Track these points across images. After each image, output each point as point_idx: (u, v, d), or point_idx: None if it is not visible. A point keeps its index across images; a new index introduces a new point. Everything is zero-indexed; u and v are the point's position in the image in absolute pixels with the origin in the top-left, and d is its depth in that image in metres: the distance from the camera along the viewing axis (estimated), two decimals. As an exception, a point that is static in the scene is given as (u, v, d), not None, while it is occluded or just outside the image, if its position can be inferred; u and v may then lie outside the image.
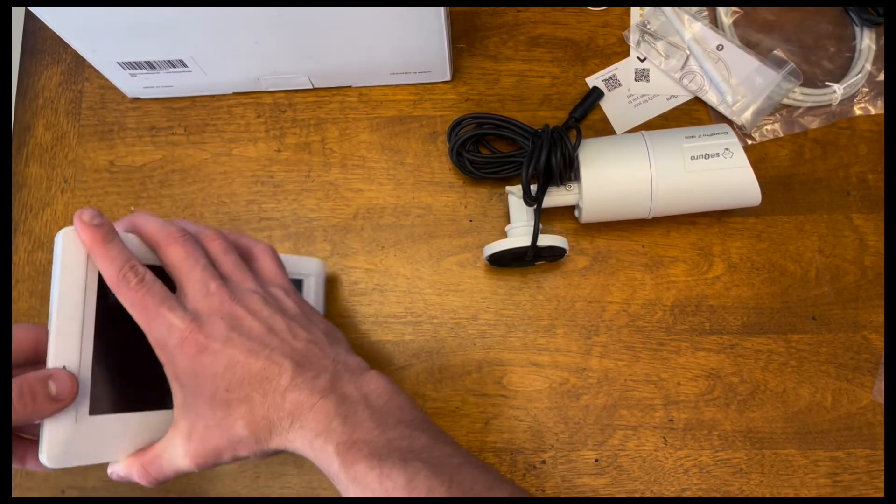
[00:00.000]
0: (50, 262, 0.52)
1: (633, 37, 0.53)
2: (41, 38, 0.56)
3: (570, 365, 0.48)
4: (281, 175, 0.52)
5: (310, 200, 0.52)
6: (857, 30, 0.52)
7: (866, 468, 0.45)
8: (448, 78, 0.52)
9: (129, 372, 0.34)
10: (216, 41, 0.46)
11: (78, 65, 0.55)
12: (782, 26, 0.53)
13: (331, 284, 0.50)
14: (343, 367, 0.35)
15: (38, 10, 0.42)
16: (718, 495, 0.46)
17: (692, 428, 0.47)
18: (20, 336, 0.33)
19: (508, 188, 0.48)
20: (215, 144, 0.53)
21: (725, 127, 0.46)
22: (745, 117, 0.50)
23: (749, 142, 0.51)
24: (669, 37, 0.52)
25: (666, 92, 0.52)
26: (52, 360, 0.31)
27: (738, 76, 0.50)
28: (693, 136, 0.45)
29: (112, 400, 0.33)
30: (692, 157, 0.44)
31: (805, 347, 0.47)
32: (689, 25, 0.52)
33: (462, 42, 0.53)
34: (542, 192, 0.45)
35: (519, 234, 0.47)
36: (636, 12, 0.53)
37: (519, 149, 0.48)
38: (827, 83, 0.51)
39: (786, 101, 0.51)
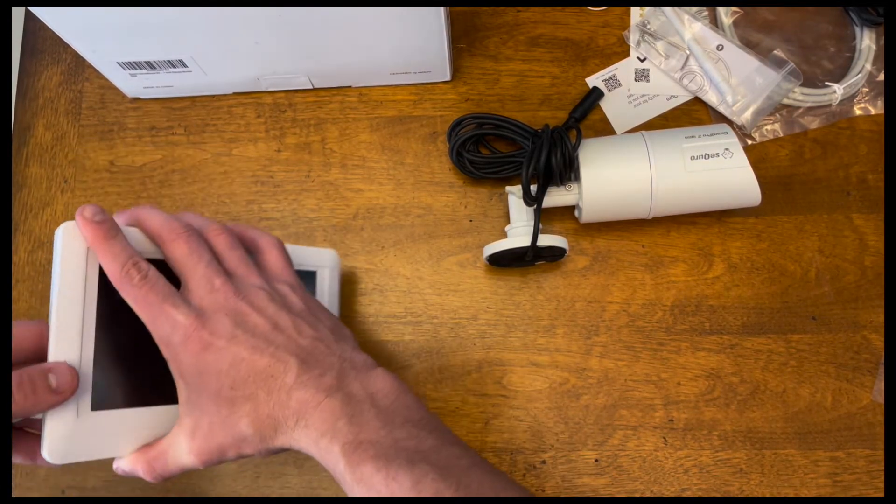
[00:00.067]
0: (50, 262, 0.52)
1: (633, 37, 0.53)
2: (41, 38, 0.56)
3: (570, 365, 0.48)
4: (281, 175, 0.52)
5: (310, 200, 0.52)
6: (857, 30, 0.52)
7: (866, 468, 0.45)
8: (448, 78, 0.52)
9: (132, 367, 0.34)
10: (216, 41, 0.46)
11: (78, 65, 0.55)
12: (782, 26, 0.53)
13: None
14: (349, 365, 0.34)
15: (38, 10, 0.42)
16: (718, 495, 0.46)
17: (692, 428, 0.47)
18: (23, 333, 0.33)
19: (508, 188, 0.48)
20: (215, 144, 0.53)
21: (725, 127, 0.46)
22: (745, 117, 0.50)
23: (749, 142, 0.51)
24: (669, 37, 0.52)
25: (666, 92, 0.52)
26: (53, 355, 0.31)
27: (738, 76, 0.50)
28: (693, 136, 0.45)
29: (115, 395, 0.33)
30: (692, 157, 0.44)
31: (805, 347, 0.47)
32: (689, 25, 0.52)
33: (462, 42, 0.53)
34: (542, 192, 0.45)
35: (519, 234, 0.47)
36: (636, 12, 0.53)
37: (519, 149, 0.48)
38: (827, 83, 0.51)
39: (786, 101, 0.51)
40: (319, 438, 0.32)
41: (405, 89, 0.53)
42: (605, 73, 0.52)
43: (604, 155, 0.46)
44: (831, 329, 0.48)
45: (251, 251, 0.38)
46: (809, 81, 0.51)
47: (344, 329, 0.38)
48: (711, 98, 0.51)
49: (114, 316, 0.33)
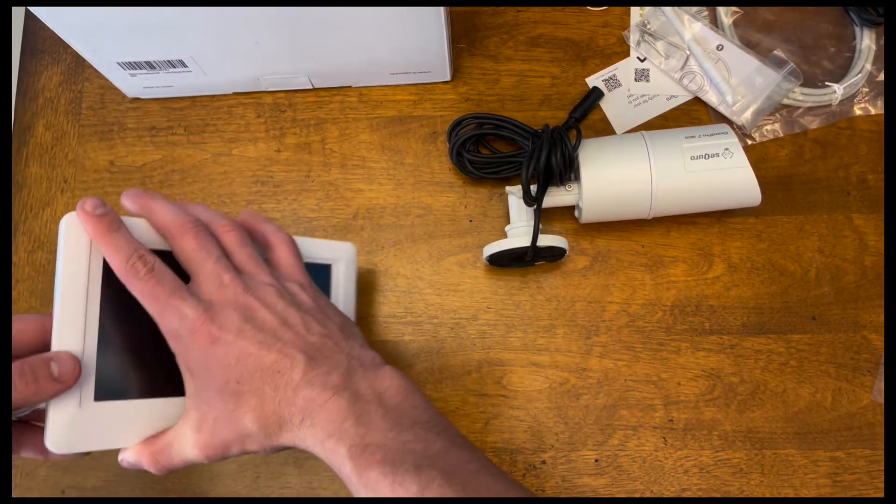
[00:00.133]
0: (50, 263, 0.52)
1: (633, 37, 0.53)
2: (41, 38, 0.56)
3: (570, 365, 0.48)
4: (281, 175, 0.52)
5: (310, 200, 0.52)
6: (857, 30, 0.52)
7: (866, 468, 0.45)
8: (448, 78, 0.52)
9: (137, 358, 0.34)
10: (216, 41, 0.46)
11: (78, 65, 0.55)
12: (782, 26, 0.53)
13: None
14: (357, 363, 0.34)
15: (38, 10, 0.42)
16: (718, 495, 0.46)
17: (692, 428, 0.47)
18: (25, 326, 0.32)
19: (508, 188, 0.48)
20: (215, 144, 0.53)
21: (725, 127, 0.46)
22: (745, 117, 0.50)
23: (749, 142, 0.50)
24: (669, 37, 0.52)
25: (666, 92, 0.52)
26: (56, 344, 0.31)
27: (738, 76, 0.50)
28: (693, 136, 0.45)
29: (118, 386, 0.33)
30: (692, 158, 0.44)
31: (805, 347, 0.47)
32: (689, 25, 0.52)
33: (462, 42, 0.53)
34: (542, 192, 0.45)
35: (519, 234, 0.47)
36: (636, 12, 0.53)
37: (519, 149, 0.48)
38: (827, 83, 0.51)
39: (786, 101, 0.51)
40: (326, 439, 0.31)
41: (405, 89, 0.53)
42: (605, 73, 0.52)
43: (604, 155, 0.46)
44: (831, 329, 0.48)
45: (262, 246, 0.38)
46: (809, 81, 0.51)
47: (353, 327, 0.38)
48: (711, 98, 0.51)
49: (118, 307, 0.33)
